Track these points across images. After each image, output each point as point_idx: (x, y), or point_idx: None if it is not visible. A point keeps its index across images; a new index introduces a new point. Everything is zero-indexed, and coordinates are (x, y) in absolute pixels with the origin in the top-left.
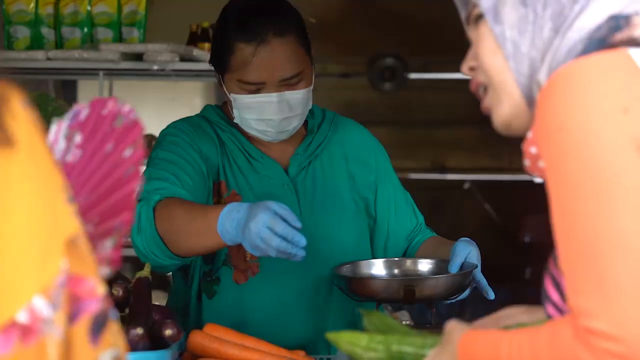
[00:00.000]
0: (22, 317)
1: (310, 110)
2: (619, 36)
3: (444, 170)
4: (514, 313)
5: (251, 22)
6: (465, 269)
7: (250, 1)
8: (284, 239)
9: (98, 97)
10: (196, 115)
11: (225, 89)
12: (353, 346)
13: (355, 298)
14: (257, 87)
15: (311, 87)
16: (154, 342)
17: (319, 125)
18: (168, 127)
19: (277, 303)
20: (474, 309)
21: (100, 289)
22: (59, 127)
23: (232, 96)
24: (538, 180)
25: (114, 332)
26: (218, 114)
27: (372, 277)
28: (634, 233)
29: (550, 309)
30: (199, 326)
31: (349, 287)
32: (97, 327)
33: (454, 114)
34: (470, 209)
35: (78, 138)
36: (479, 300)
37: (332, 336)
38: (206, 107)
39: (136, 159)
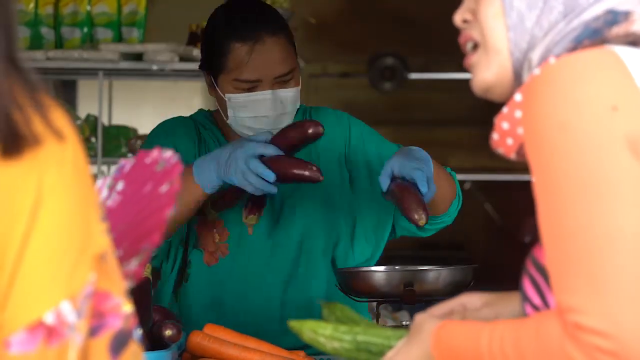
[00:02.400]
0: (49, 318)
1: None
2: (616, 30)
3: None
4: (476, 306)
5: (244, 23)
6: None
7: (239, 4)
8: (258, 175)
9: (143, 150)
10: (183, 116)
11: (218, 90)
12: (316, 335)
13: (355, 297)
14: (252, 85)
15: (299, 87)
16: (154, 342)
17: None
18: (156, 127)
19: (249, 282)
20: None
21: (126, 308)
22: (104, 181)
23: (227, 96)
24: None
25: (134, 353)
26: (206, 116)
27: (371, 271)
28: (626, 230)
29: (529, 310)
30: (179, 311)
31: (348, 284)
32: (118, 345)
33: (454, 113)
34: (470, 209)
35: (120, 186)
36: None
37: (295, 324)
38: (197, 111)
39: (172, 192)
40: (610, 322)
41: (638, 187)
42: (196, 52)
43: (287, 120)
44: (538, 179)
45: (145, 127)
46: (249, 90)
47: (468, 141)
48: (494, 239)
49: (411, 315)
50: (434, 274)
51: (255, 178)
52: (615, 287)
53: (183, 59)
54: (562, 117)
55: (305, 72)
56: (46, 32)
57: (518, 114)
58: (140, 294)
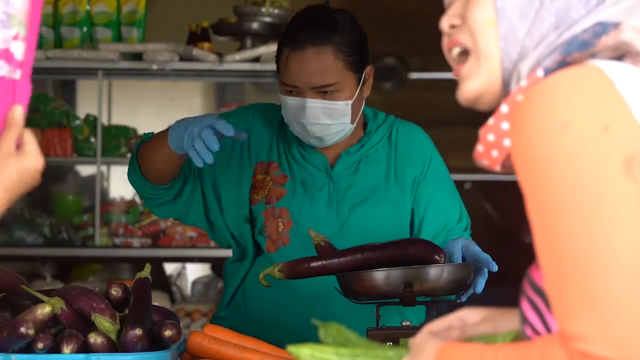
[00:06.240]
0: None
1: (374, 114)
2: (605, 40)
3: None
4: (475, 320)
5: (294, 30)
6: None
7: (308, 12)
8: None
9: None
10: (275, 104)
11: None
12: (316, 359)
13: (355, 299)
14: (294, 90)
15: (351, 101)
16: (154, 342)
17: (376, 129)
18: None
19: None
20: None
21: None
22: None
23: (280, 97)
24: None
25: None
26: None
27: (370, 271)
28: (626, 252)
29: (530, 332)
30: (242, 295)
31: (347, 285)
32: None
33: (454, 113)
34: (470, 209)
35: None
36: (478, 300)
37: (293, 349)
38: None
39: None
40: (616, 348)
41: (634, 207)
42: (196, 52)
43: (334, 131)
44: (532, 201)
45: (144, 127)
46: (291, 94)
47: (468, 141)
48: (494, 239)
49: None
50: (436, 272)
51: (200, 144)
52: (618, 311)
53: (183, 58)
54: (554, 140)
55: None
56: (45, 31)
57: (504, 125)
58: (140, 294)
